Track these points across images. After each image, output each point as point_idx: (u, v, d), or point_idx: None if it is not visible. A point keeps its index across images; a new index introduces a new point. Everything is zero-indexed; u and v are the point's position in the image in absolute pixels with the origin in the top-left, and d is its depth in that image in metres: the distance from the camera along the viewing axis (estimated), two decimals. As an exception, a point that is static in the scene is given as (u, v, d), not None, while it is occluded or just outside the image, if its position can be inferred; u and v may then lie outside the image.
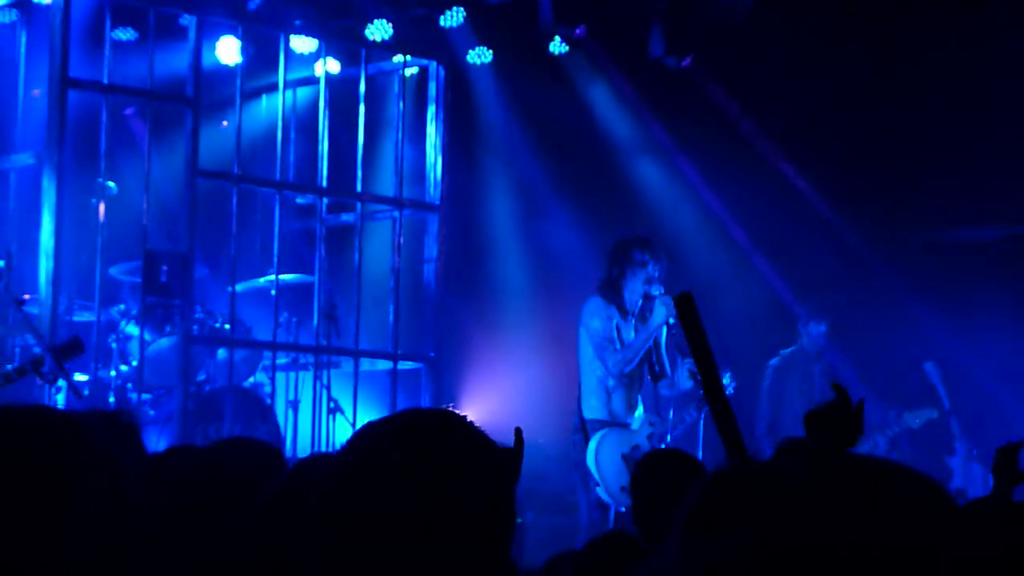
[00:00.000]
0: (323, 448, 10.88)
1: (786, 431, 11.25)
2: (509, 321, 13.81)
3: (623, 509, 8.78)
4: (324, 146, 11.35)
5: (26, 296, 9.69)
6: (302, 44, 11.84)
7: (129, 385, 10.50)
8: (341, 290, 11.50)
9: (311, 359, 11.20)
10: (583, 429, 9.12)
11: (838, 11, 12.20)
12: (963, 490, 11.38)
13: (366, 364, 11.47)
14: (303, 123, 11.77)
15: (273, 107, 11.66)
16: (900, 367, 12.24)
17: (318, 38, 11.77)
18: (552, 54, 13.11)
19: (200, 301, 10.75)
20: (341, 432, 10.94)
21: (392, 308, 11.44)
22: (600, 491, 8.96)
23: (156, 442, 9.93)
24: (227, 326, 10.71)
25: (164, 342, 10.45)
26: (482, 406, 13.06)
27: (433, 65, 11.92)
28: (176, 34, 11.13)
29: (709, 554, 1.72)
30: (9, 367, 10.02)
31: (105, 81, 10.34)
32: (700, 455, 8.92)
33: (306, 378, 11.32)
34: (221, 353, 10.83)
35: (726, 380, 9.02)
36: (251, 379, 11.15)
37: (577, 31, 13.04)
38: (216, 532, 2.91)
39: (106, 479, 1.91)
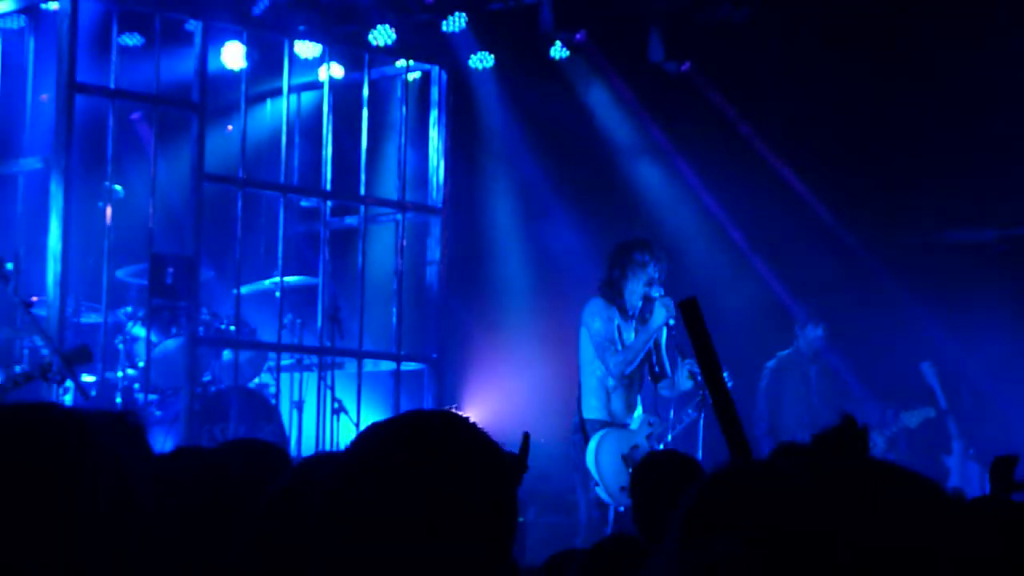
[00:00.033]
0: (327, 448, 10.87)
1: (785, 431, 11.26)
2: (511, 322, 13.80)
3: (622, 509, 8.78)
4: (328, 150, 11.34)
5: (34, 298, 9.69)
6: (306, 49, 11.84)
7: (136, 386, 10.50)
8: (345, 292, 11.50)
9: (315, 360, 11.20)
10: (583, 429, 9.12)
11: (836, 16, 12.19)
12: (960, 489, 11.37)
13: (369, 365, 11.47)
14: (307, 127, 11.77)
15: (277, 111, 11.66)
16: (898, 367, 12.24)
17: (322, 43, 11.77)
18: (553, 58, 13.11)
19: (206, 303, 10.75)
20: (345, 432, 10.94)
21: (395, 310, 11.44)
22: (599, 491, 8.96)
23: (163, 442, 9.93)
24: (232, 328, 10.71)
25: (170, 343, 10.45)
26: (484, 406, 13.06)
27: (435, 70, 11.92)
28: (182, 39, 11.13)
29: (707, 554, 1.72)
30: (18, 368, 10.04)
31: (112, 86, 10.35)
32: (700, 454, 8.92)
33: (310, 379, 11.32)
34: (226, 354, 10.83)
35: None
36: (256, 380, 11.15)
37: (577, 36, 13.04)
38: (222, 532, 2.90)
39: (113, 479, 1.91)
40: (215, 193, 10.84)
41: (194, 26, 10.70)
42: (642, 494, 5.56)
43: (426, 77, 12.02)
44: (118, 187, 10.65)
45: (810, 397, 11.79)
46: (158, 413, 10.50)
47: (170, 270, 10.21)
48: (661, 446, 9.03)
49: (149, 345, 10.34)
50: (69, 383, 8.90)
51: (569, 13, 12.53)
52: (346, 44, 12.03)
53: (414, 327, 11.69)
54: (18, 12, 10.76)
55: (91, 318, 10.67)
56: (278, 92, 11.48)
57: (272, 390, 11.10)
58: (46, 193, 10.00)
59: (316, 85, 11.83)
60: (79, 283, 10.54)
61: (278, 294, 11.04)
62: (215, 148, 11.08)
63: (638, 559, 4.31)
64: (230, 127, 12.19)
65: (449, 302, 11.97)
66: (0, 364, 10.22)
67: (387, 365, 11.55)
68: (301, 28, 11.75)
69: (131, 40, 11.90)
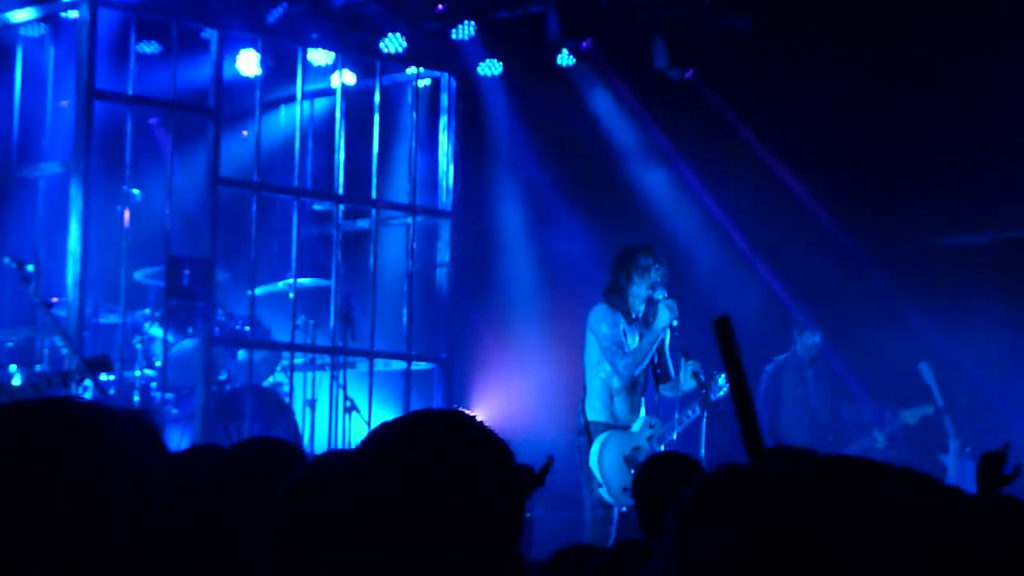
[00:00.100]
0: (339, 446, 10.88)
1: (785, 434, 11.27)
2: (518, 323, 13.80)
3: (624, 509, 8.78)
4: (340, 155, 11.36)
5: (54, 299, 9.71)
6: (319, 57, 11.86)
7: (153, 385, 10.51)
8: (357, 293, 11.50)
9: (328, 360, 11.20)
10: (587, 431, 9.12)
11: (835, 24, 12.19)
12: (957, 487, 11.36)
13: (381, 365, 11.48)
14: (320, 133, 11.78)
15: (291, 117, 11.67)
16: (896, 367, 12.23)
17: (334, 51, 11.79)
18: (560, 66, 13.11)
19: (221, 304, 10.76)
20: (357, 430, 10.95)
21: (406, 311, 11.45)
22: (603, 492, 8.96)
23: (179, 440, 9.95)
24: (247, 328, 10.72)
25: (187, 343, 10.46)
26: (492, 405, 13.06)
27: (445, 77, 11.93)
28: (198, 47, 11.14)
29: (705, 552, 1.72)
30: (38, 367, 10.05)
31: (130, 92, 10.36)
32: (702, 452, 8.92)
33: (323, 378, 11.33)
34: (241, 354, 10.84)
35: (721, 381, 9.02)
36: (270, 379, 11.16)
37: (584, 44, 13.04)
38: (238, 528, 2.91)
39: (129, 475, 1.91)
40: (230, 197, 10.85)
41: (210, 34, 10.72)
42: (645, 495, 5.57)
43: (436, 84, 12.03)
44: (136, 191, 10.67)
45: (808, 400, 11.80)
46: (175, 411, 10.52)
47: (186, 272, 10.22)
48: (663, 447, 9.03)
49: (166, 345, 10.35)
50: (88, 382, 8.93)
51: (576, 22, 12.54)
52: (358, 52, 12.04)
53: (424, 328, 11.70)
54: (39, 20, 10.78)
55: (109, 319, 10.68)
56: (292, 99, 11.49)
57: (286, 389, 11.11)
58: (66, 197, 10.02)
59: (329, 92, 11.84)
60: (98, 284, 10.56)
61: (292, 295, 11.05)
62: (230, 153, 11.09)
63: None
64: (245, 132, 12.20)
65: (458, 303, 11.98)
66: (20, 364, 10.23)
67: (398, 365, 11.56)
68: (314, 36, 11.78)
69: (149, 48, 11.91)
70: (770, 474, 1.71)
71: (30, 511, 1.83)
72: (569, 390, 9.86)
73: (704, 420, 9.09)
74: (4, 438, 1.88)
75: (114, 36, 10.88)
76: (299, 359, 11.40)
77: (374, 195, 11.50)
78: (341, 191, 11.36)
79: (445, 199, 11.83)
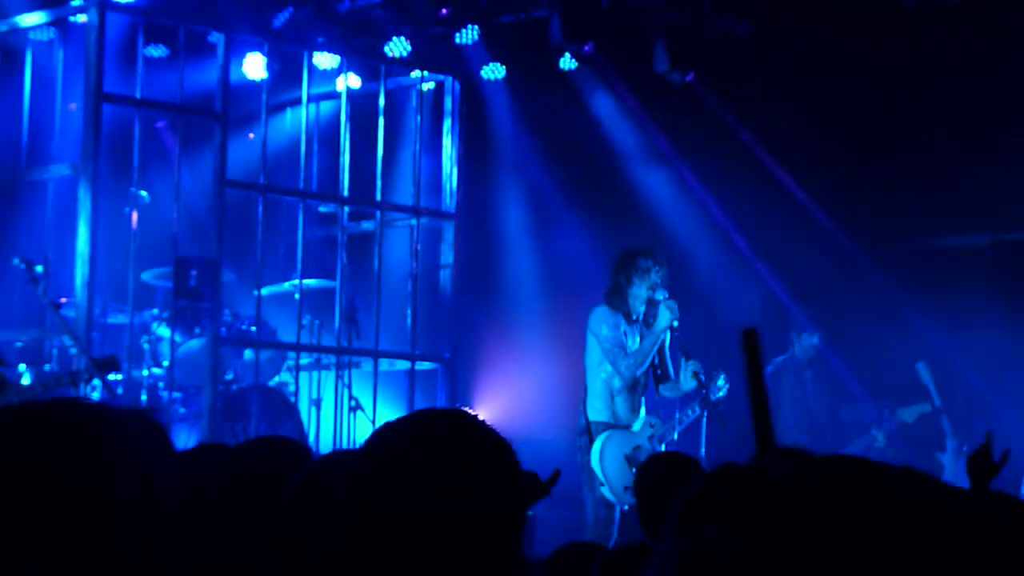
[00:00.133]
0: (344, 444, 10.89)
1: (784, 435, 11.26)
2: (521, 323, 13.81)
3: (626, 507, 8.78)
4: (345, 157, 11.36)
5: (63, 299, 9.71)
6: (325, 60, 11.86)
7: (160, 384, 10.51)
8: (361, 294, 11.50)
9: (333, 359, 11.21)
10: (588, 431, 9.12)
11: (835, 29, 12.19)
12: (953, 485, 11.36)
13: (385, 364, 11.48)
14: (325, 135, 11.78)
15: (297, 120, 11.67)
16: (894, 367, 12.24)
17: (340, 55, 11.80)
18: (562, 69, 13.13)
19: (228, 304, 10.76)
20: (361, 429, 10.95)
21: (410, 311, 11.45)
22: (604, 490, 8.96)
23: (186, 439, 9.96)
24: (253, 328, 10.73)
25: (194, 343, 10.46)
26: (495, 404, 13.07)
27: (449, 80, 11.93)
28: (205, 51, 11.15)
29: (706, 552, 1.73)
30: (47, 367, 10.06)
31: (138, 96, 10.37)
32: (703, 452, 8.92)
33: (328, 377, 11.33)
34: (248, 354, 10.84)
35: (720, 382, 9.02)
36: (276, 378, 11.16)
37: (586, 48, 13.04)
38: (245, 526, 2.90)
39: (136, 474, 1.91)
40: (237, 199, 10.85)
41: (217, 38, 10.72)
42: (646, 494, 5.57)
43: (440, 87, 12.03)
44: (144, 193, 10.68)
45: (806, 401, 11.81)
46: (182, 410, 10.52)
47: (194, 273, 10.22)
48: (663, 446, 9.03)
49: (173, 345, 10.35)
50: (96, 382, 8.93)
51: (578, 26, 12.54)
52: (363, 56, 12.05)
53: (428, 328, 11.70)
54: (48, 24, 10.78)
55: (117, 319, 10.69)
56: (298, 102, 11.49)
57: (291, 388, 11.12)
58: (75, 199, 10.02)
59: (334, 95, 11.84)
60: (106, 285, 10.56)
61: (297, 296, 11.05)
62: (237, 155, 11.09)
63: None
64: (251, 135, 12.21)
65: (462, 304, 11.98)
66: (30, 363, 10.24)
67: (402, 364, 11.56)
68: (320, 40, 11.79)
69: (156, 52, 11.92)
70: (769, 474, 1.72)
71: (38, 511, 1.83)
72: (571, 390, 9.87)
73: (704, 420, 9.09)
74: (12, 439, 1.88)
75: (122, 40, 10.89)
76: (305, 359, 11.41)
77: (379, 197, 11.50)
78: (346, 193, 11.37)
79: (449, 201, 11.83)
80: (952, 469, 11.68)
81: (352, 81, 11.81)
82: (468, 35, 12.49)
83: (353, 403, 11.11)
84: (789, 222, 13.12)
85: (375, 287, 11.24)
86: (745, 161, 13.28)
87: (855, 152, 12.86)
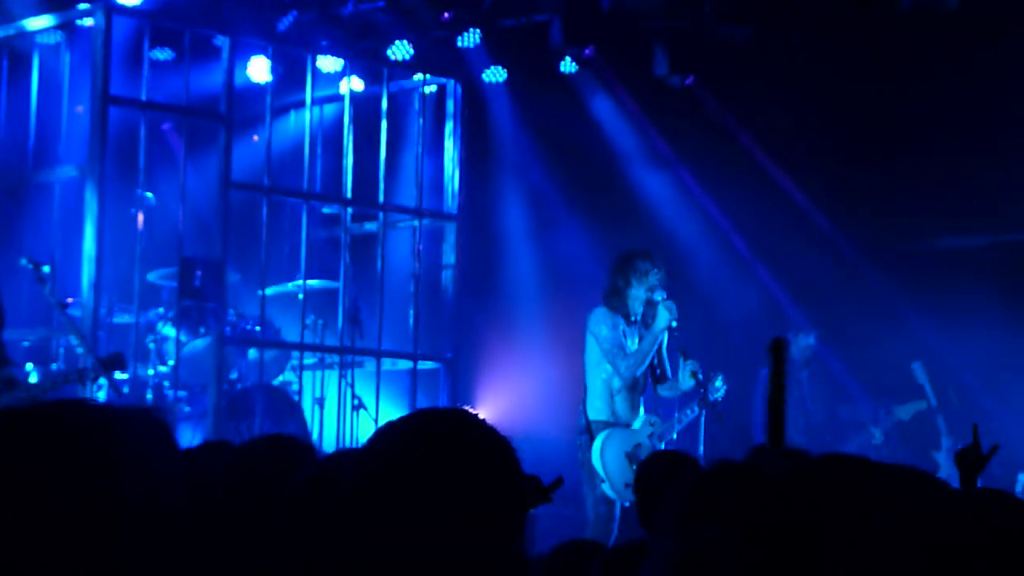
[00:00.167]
0: (347, 443, 10.89)
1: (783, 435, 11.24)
2: (522, 323, 13.81)
3: (627, 504, 8.78)
4: (348, 159, 11.36)
5: (69, 299, 9.72)
6: (328, 64, 11.87)
7: (166, 383, 10.52)
8: (364, 294, 11.51)
9: (336, 359, 11.21)
10: (588, 430, 9.12)
11: (833, 33, 12.19)
12: (947, 482, 11.36)
13: (388, 364, 11.48)
14: (329, 138, 11.79)
15: (301, 123, 11.68)
16: (891, 367, 12.23)
17: (343, 58, 11.80)
18: (562, 73, 13.13)
19: (232, 304, 10.77)
20: (364, 427, 10.96)
21: (412, 311, 11.45)
22: (605, 487, 8.96)
23: (191, 437, 9.96)
24: (257, 328, 10.73)
25: (199, 343, 10.47)
26: (496, 403, 13.07)
27: (451, 83, 11.93)
28: (210, 54, 11.15)
29: (703, 550, 1.73)
30: (54, 366, 10.07)
31: (144, 98, 10.37)
32: (701, 450, 8.92)
33: (331, 377, 11.33)
34: (252, 353, 10.85)
35: (718, 383, 9.03)
36: (280, 378, 11.17)
37: (586, 51, 13.04)
38: (250, 526, 2.90)
39: (141, 472, 1.91)
40: (241, 200, 10.85)
41: (222, 41, 10.73)
42: (645, 491, 5.57)
43: (442, 90, 12.03)
44: (149, 194, 10.68)
45: (804, 402, 11.81)
46: (187, 409, 10.52)
47: (199, 273, 10.22)
48: (663, 444, 9.03)
49: (179, 344, 10.36)
50: (103, 381, 8.94)
51: (578, 30, 12.54)
52: (366, 59, 12.06)
53: (430, 328, 11.70)
54: (55, 28, 10.78)
55: (123, 318, 10.70)
56: (301, 104, 11.50)
57: (295, 387, 11.12)
58: (81, 200, 10.03)
59: (337, 98, 11.84)
60: (112, 285, 10.57)
61: (301, 296, 11.06)
62: (241, 157, 11.10)
63: None
64: (256, 137, 12.21)
65: (463, 304, 11.98)
66: (37, 362, 10.25)
67: (404, 364, 11.56)
68: (323, 44, 11.79)
69: (162, 55, 11.93)
70: (765, 472, 1.72)
71: (44, 511, 1.83)
72: (571, 389, 9.87)
73: (702, 419, 9.09)
74: (19, 438, 1.88)
75: (128, 43, 10.89)
76: (308, 358, 11.41)
77: (381, 199, 11.50)
78: (349, 195, 11.37)
79: (451, 202, 11.83)
80: (947, 468, 11.68)
81: (355, 84, 11.81)
82: (470, 39, 12.49)
83: (356, 402, 11.11)
84: (788, 224, 13.12)
85: (378, 287, 11.24)
86: (744, 163, 13.28)
87: (853, 154, 12.86)
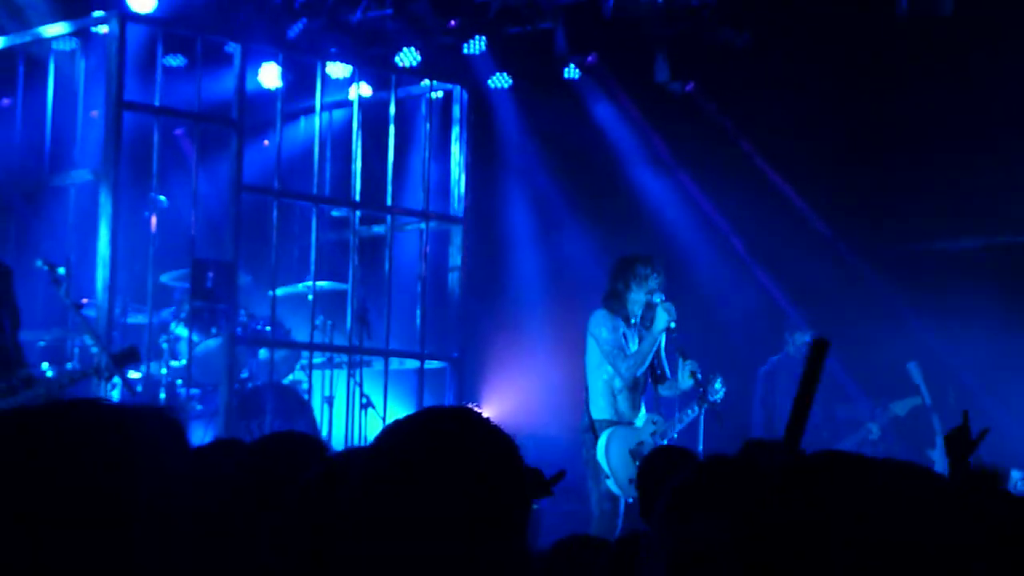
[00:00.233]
0: (356, 441, 10.90)
1: (780, 432, 11.24)
2: (526, 324, 13.81)
3: (631, 500, 8.78)
4: (357, 164, 11.36)
5: (84, 300, 9.72)
6: (337, 70, 11.87)
7: (178, 382, 10.52)
8: (372, 295, 11.51)
9: (345, 359, 11.21)
10: (592, 428, 9.13)
11: (830, 39, 12.18)
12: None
13: (395, 363, 11.48)
14: (338, 142, 11.79)
15: (310, 128, 11.68)
16: (887, 367, 12.22)
17: (352, 64, 11.81)
18: (566, 79, 13.13)
19: (244, 305, 10.77)
20: (372, 426, 10.95)
21: (419, 312, 11.45)
22: (610, 483, 8.97)
23: (203, 435, 9.96)
24: (268, 328, 10.73)
25: (211, 343, 10.47)
26: (502, 402, 13.08)
27: (457, 89, 11.93)
28: (222, 61, 11.16)
29: (696, 540, 1.73)
30: (69, 365, 10.07)
31: (157, 104, 10.38)
32: (700, 448, 8.92)
33: (340, 376, 11.33)
34: (263, 353, 10.85)
35: (717, 385, 9.03)
36: (290, 377, 11.17)
37: (589, 58, 13.05)
38: (260, 523, 2.89)
39: (153, 470, 1.91)
40: (252, 203, 10.86)
41: (233, 48, 10.73)
42: (647, 486, 5.57)
43: (448, 96, 12.03)
44: (162, 197, 10.68)
45: (801, 399, 11.77)
46: (199, 407, 10.53)
47: (210, 275, 10.23)
48: (665, 442, 9.03)
49: (191, 344, 10.36)
50: (117, 379, 8.94)
51: (581, 37, 12.55)
52: (374, 65, 12.06)
53: (437, 328, 11.70)
54: (70, 35, 10.79)
55: (137, 319, 10.70)
56: (311, 110, 11.50)
57: (305, 386, 11.12)
58: (96, 203, 10.04)
59: (346, 103, 11.85)
60: (126, 286, 10.58)
61: (311, 297, 11.06)
62: (252, 161, 11.11)
63: None
64: (266, 142, 12.22)
65: (469, 305, 11.98)
66: (53, 362, 10.25)
67: (412, 363, 11.56)
68: (333, 51, 11.79)
69: (175, 61, 11.94)
70: (760, 467, 1.72)
71: (58, 511, 1.83)
72: (575, 388, 9.88)
73: (702, 418, 9.10)
74: (33, 438, 1.88)
75: (142, 50, 10.90)
76: (318, 358, 11.41)
77: (389, 202, 11.51)
78: (358, 198, 11.37)
79: (457, 206, 11.83)
80: (941, 465, 11.66)
81: (364, 90, 11.82)
82: (475, 46, 12.50)
83: (364, 401, 11.11)
84: (787, 226, 13.12)
85: (386, 289, 11.25)
86: (743, 167, 13.28)
87: (851, 157, 12.86)
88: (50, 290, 9.25)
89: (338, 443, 10.94)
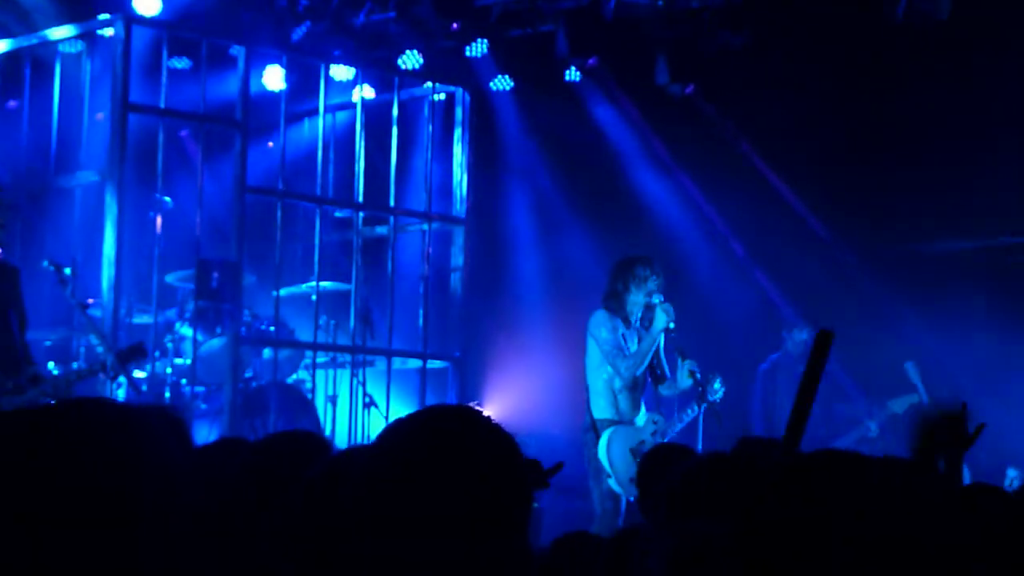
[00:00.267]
0: (359, 440, 10.90)
1: (779, 430, 11.23)
2: (528, 323, 13.81)
3: (632, 499, 8.78)
4: (360, 165, 11.37)
5: (90, 300, 9.72)
6: (341, 72, 11.88)
7: (183, 381, 10.52)
8: (375, 296, 11.51)
9: (348, 358, 11.21)
10: (593, 428, 9.13)
11: (828, 42, 12.19)
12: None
13: (398, 363, 11.48)
14: (341, 144, 11.79)
15: (314, 129, 11.68)
16: (885, 366, 12.23)
17: (355, 67, 11.81)
18: (567, 81, 13.14)
19: (248, 305, 10.77)
20: (375, 425, 10.96)
21: (422, 312, 11.45)
22: (611, 482, 8.97)
23: (208, 433, 9.95)
24: (272, 328, 10.74)
25: (215, 342, 10.47)
26: (503, 401, 13.08)
27: (459, 91, 11.93)
28: (226, 63, 11.17)
29: (694, 538, 1.73)
30: (75, 365, 10.07)
31: (162, 105, 10.38)
32: (700, 446, 8.92)
33: (343, 375, 11.34)
34: (267, 352, 10.85)
35: (716, 385, 9.03)
36: (294, 376, 11.17)
37: (590, 61, 13.05)
38: (264, 521, 2.89)
39: (158, 469, 1.91)
40: (256, 204, 10.86)
41: (238, 51, 10.74)
42: (648, 484, 5.56)
43: (451, 98, 12.04)
44: (167, 199, 10.69)
45: (800, 396, 11.78)
46: (204, 406, 10.53)
47: (215, 275, 10.23)
48: (664, 441, 9.03)
49: (196, 343, 10.37)
50: (122, 379, 8.94)
51: (582, 40, 12.55)
52: (377, 68, 12.07)
53: (439, 328, 11.71)
54: (76, 38, 10.80)
55: (142, 319, 10.70)
56: (315, 112, 11.50)
57: (308, 386, 11.13)
58: (101, 204, 10.04)
59: (349, 105, 11.85)
60: (131, 286, 10.57)
61: (314, 297, 11.06)
62: (256, 163, 11.11)
63: None
64: (270, 144, 12.22)
65: (471, 305, 11.98)
66: (58, 361, 10.26)
67: (414, 363, 11.56)
68: (336, 53, 11.81)
69: (180, 63, 11.94)
70: (757, 465, 1.72)
71: (63, 510, 1.82)
72: (575, 388, 9.88)
73: (701, 417, 9.10)
74: (37, 438, 1.87)
75: (147, 52, 10.90)
76: (321, 357, 11.42)
77: (392, 203, 11.51)
78: (361, 199, 11.38)
79: (459, 207, 11.83)
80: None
81: (367, 92, 11.82)
82: (477, 48, 12.51)
83: (367, 400, 11.11)
84: (786, 228, 13.12)
85: (388, 289, 11.25)
86: (742, 169, 13.29)
87: (849, 159, 12.86)
88: (56, 290, 9.25)
89: (341, 442, 10.94)
